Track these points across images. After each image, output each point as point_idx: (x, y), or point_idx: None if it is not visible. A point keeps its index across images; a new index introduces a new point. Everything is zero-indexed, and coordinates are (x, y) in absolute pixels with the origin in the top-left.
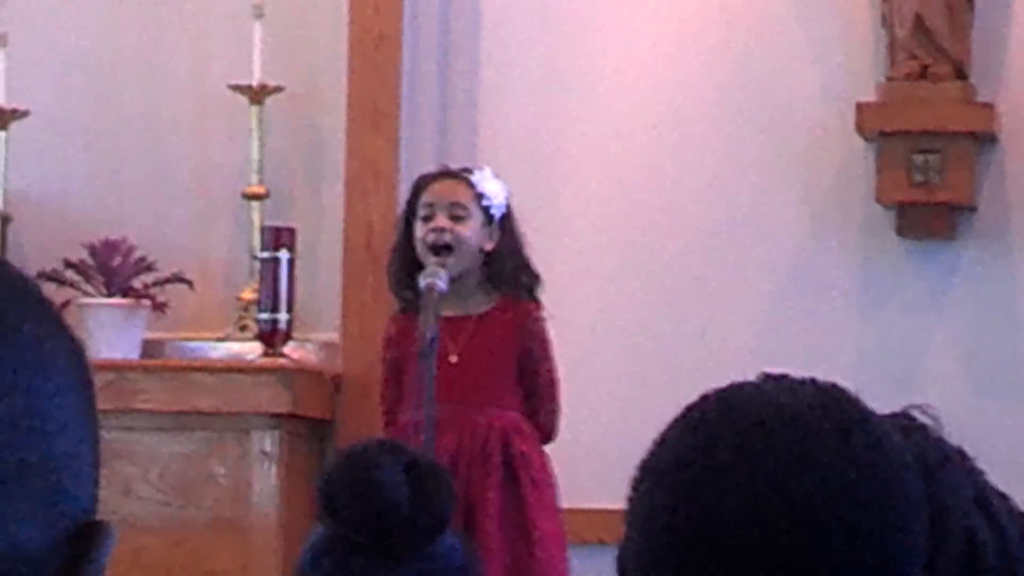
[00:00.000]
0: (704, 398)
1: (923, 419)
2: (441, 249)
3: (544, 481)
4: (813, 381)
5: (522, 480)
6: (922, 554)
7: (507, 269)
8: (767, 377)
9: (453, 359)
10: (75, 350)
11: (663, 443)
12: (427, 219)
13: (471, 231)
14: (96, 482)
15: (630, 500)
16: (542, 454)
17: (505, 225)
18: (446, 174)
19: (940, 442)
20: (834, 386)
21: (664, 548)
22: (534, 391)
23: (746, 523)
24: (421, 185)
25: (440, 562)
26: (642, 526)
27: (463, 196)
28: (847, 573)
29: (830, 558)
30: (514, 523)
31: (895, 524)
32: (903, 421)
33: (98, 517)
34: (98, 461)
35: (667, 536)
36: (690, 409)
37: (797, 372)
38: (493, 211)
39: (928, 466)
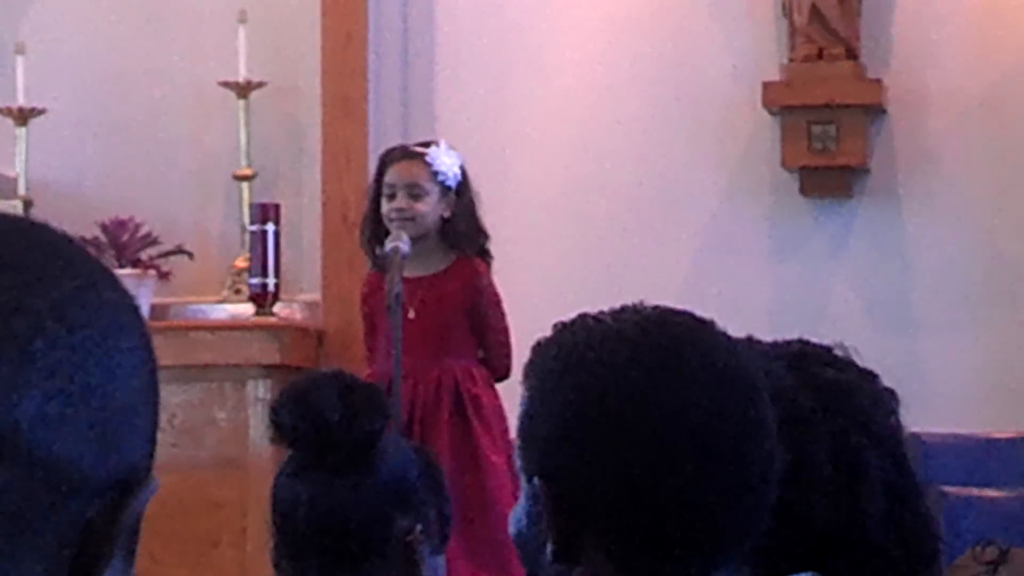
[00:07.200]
0: (563, 325)
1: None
2: (403, 223)
3: (494, 418)
4: (656, 307)
5: (471, 418)
6: (766, 462)
7: (460, 233)
8: (613, 311)
9: (411, 315)
10: (147, 346)
11: (537, 351)
12: (391, 197)
13: (428, 206)
14: (151, 447)
15: (527, 384)
16: (493, 394)
17: (460, 192)
18: (405, 154)
19: (844, 372)
20: (674, 311)
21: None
22: (486, 338)
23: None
24: (385, 163)
25: (383, 475)
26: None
27: (420, 175)
28: (692, 478)
29: (661, 458)
30: (465, 456)
31: (733, 433)
32: (797, 347)
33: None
34: (154, 430)
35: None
36: (554, 333)
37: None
38: (448, 183)
39: (825, 393)
